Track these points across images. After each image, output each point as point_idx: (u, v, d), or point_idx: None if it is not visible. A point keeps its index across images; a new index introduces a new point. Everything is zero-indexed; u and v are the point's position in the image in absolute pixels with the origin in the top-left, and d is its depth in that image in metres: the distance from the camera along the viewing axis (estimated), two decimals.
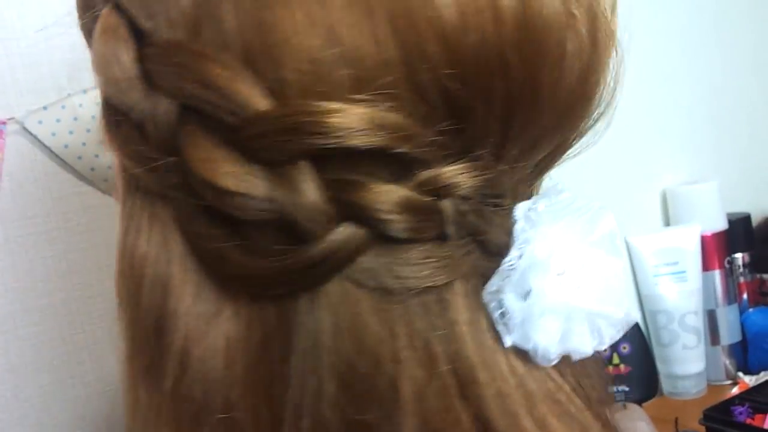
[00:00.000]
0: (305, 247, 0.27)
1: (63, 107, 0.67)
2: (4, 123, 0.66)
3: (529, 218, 0.30)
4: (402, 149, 0.27)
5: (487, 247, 0.30)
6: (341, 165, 0.27)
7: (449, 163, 0.28)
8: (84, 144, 0.68)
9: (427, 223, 0.28)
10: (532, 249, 0.30)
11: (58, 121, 0.67)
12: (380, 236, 0.28)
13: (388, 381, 0.28)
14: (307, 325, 0.28)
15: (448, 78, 0.27)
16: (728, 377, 1.07)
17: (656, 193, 1.12)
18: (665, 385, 1.05)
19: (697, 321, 1.03)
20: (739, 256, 1.10)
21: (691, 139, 1.15)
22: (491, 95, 0.28)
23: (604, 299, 0.31)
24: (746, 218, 1.13)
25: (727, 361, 1.07)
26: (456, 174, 0.28)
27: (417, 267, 0.28)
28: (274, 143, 0.26)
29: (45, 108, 0.67)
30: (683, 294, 1.03)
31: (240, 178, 0.27)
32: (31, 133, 0.67)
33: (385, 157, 0.27)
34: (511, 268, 0.29)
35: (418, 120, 0.27)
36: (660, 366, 1.05)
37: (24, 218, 0.68)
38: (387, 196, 0.27)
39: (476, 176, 0.29)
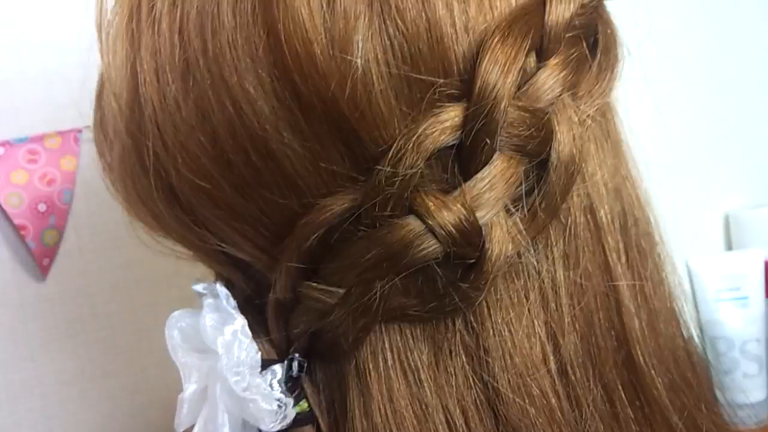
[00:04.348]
0: None
1: None
2: (80, 131, 0.66)
3: None
4: None
5: None
6: None
7: None
8: None
9: None
10: None
11: None
12: None
13: None
14: None
15: None
16: None
17: (718, 217, 1.08)
18: (724, 413, 1.01)
19: (759, 348, 0.97)
20: None
21: (755, 161, 1.10)
22: None
23: None
24: None
25: None
26: None
27: None
28: None
29: None
30: (745, 320, 0.97)
31: None
32: None
33: None
34: None
35: None
36: (719, 394, 1.01)
37: (96, 225, 0.68)
38: None
39: None
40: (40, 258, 0.65)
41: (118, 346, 0.69)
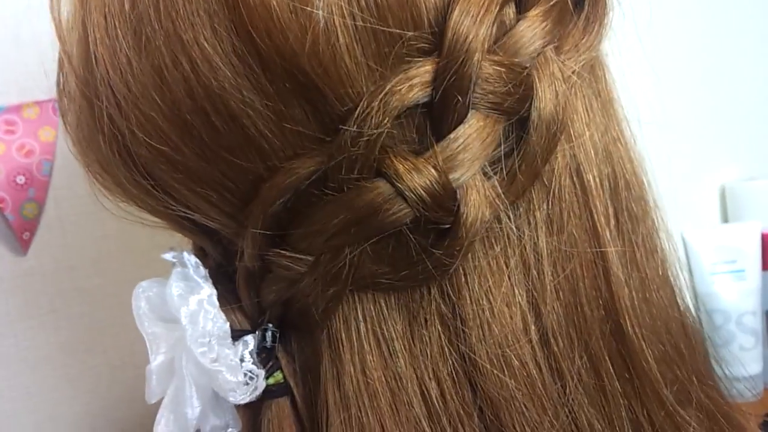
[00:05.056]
0: None
1: None
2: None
3: None
4: None
5: None
6: None
7: None
8: None
9: None
10: None
11: None
12: None
13: None
14: None
15: None
16: None
17: (714, 189, 1.07)
18: (720, 386, 1.00)
19: (756, 322, 0.96)
20: None
21: (752, 133, 1.09)
22: None
23: None
24: None
25: None
26: None
27: None
28: None
29: None
30: (741, 293, 0.96)
31: None
32: None
33: None
34: None
35: None
36: (715, 367, 1.00)
37: (76, 197, 0.66)
38: None
39: None
40: (20, 231, 0.63)
41: (101, 321, 0.67)
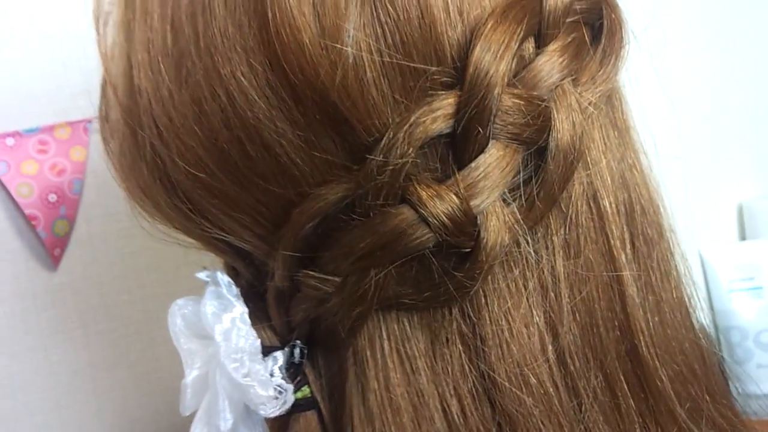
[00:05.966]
0: None
1: None
2: (89, 121, 0.66)
3: None
4: None
5: None
6: None
7: None
8: None
9: None
10: None
11: None
12: None
13: None
14: None
15: None
16: None
17: (732, 207, 1.07)
18: (736, 405, 1.00)
19: None
20: None
21: None
22: None
23: None
24: None
25: None
26: None
27: None
28: None
29: None
30: (759, 310, 0.96)
31: None
32: None
33: None
34: None
35: None
36: (732, 385, 1.00)
37: (107, 215, 0.68)
38: None
39: None
40: (52, 248, 0.65)
41: (129, 336, 0.69)
